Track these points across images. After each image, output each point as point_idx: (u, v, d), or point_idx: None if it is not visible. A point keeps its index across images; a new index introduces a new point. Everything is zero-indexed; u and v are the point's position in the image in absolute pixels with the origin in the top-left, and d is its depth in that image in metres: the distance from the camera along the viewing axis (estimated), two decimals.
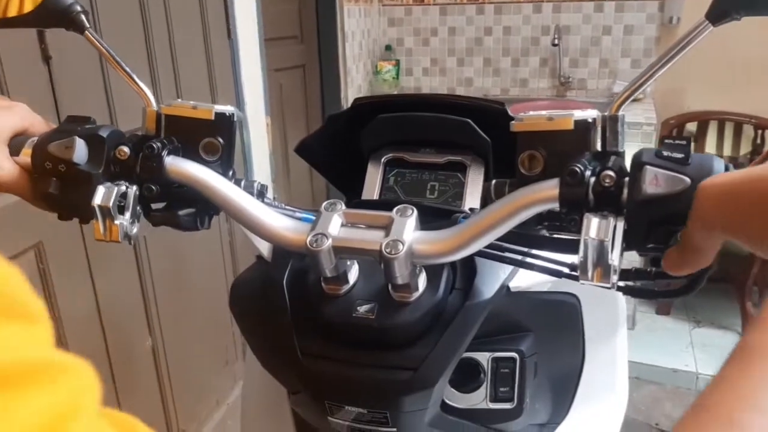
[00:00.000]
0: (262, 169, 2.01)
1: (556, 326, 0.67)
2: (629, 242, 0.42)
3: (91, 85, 1.28)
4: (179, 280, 1.62)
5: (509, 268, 0.57)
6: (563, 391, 0.71)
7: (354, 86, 2.87)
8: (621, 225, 0.41)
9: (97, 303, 1.33)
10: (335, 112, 0.76)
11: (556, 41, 2.80)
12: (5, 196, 1.03)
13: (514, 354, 0.60)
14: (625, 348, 0.80)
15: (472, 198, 0.71)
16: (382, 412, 0.54)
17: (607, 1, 2.80)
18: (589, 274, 0.42)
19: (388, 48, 3.15)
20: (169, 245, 1.55)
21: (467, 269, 0.56)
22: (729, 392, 0.26)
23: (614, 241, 0.41)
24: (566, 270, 0.49)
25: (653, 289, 0.46)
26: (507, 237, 0.49)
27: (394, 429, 0.54)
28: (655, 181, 0.40)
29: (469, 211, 0.67)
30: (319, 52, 2.66)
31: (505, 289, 0.57)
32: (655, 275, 0.45)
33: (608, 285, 0.42)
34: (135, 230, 0.53)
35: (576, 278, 0.44)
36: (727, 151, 2.65)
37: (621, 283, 0.46)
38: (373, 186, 0.75)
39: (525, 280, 0.59)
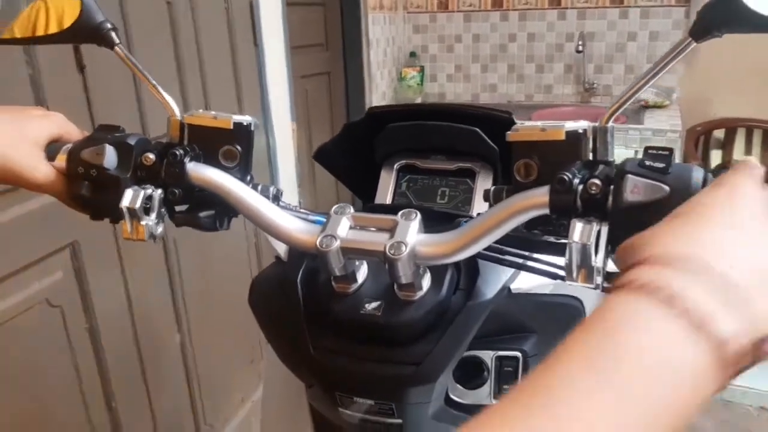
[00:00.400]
0: (287, 174, 2.06)
1: (561, 329, 0.69)
2: (614, 246, 0.44)
3: (123, 92, 1.34)
4: (207, 279, 1.68)
5: (510, 270, 0.59)
6: None
7: (378, 92, 2.92)
8: (605, 230, 0.44)
9: (129, 299, 1.39)
10: (351, 121, 0.79)
11: (581, 48, 2.81)
12: (43, 198, 1.10)
13: (517, 353, 0.63)
14: None
15: (480, 203, 0.74)
16: (388, 404, 0.57)
17: (633, 7, 2.79)
18: (574, 275, 0.45)
19: (412, 54, 3.19)
20: (197, 245, 1.61)
21: (471, 271, 0.59)
22: (523, 389, 0.28)
23: (598, 244, 0.44)
24: (560, 272, 0.51)
25: None
26: (506, 240, 0.52)
27: (400, 420, 0.57)
28: (635, 190, 0.42)
29: (476, 215, 0.70)
30: (344, 59, 2.71)
31: (506, 290, 0.59)
32: None
33: (592, 285, 0.45)
34: (160, 230, 0.57)
35: (563, 279, 0.46)
36: (756, 158, 2.62)
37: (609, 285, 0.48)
38: (386, 191, 0.78)
39: (527, 282, 0.61)
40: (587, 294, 0.68)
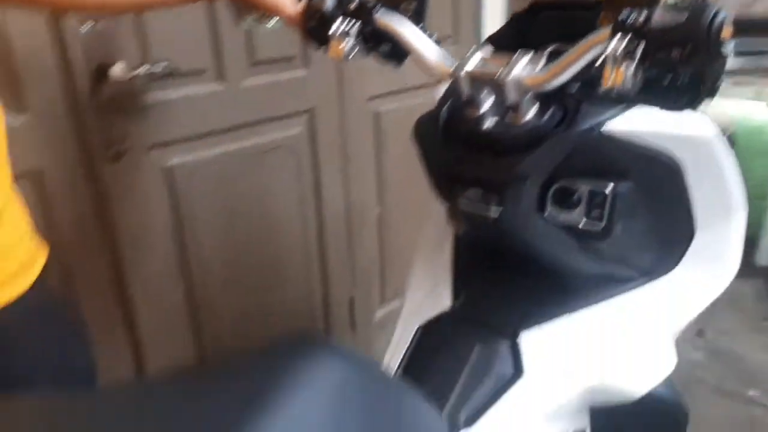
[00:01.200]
0: None
1: (655, 182, 0.80)
2: (648, 58, 0.60)
3: None
4: (409, 166, 1.94)
5: (609, 113, 0.73)
6: (672, 249, 0.84)
7: None
8: (642, 46, 0.60)
9: (345, 167, 1.74)
10: (517, 11, 0.99)
11: None
12: (298, 71, 1.52)
13: (607, 189, 0.76)
14: (741, 230, 0.87)
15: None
16: (492, 196, 0.76)
17: None
18: (609, 77, 0.61)
19: None
20: (407, 130, 1.90)
21: (573, 111, 0.75)
22: None
23: (635, 56, 0.60)
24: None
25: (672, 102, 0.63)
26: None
27: (501, 207, 0.76)
28: (661, 16, 0.58)
29: None
30: None
31: (596, 129, 0.73)
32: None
33: (624, 85, 0.60)
34: (353, 53, 0.86)
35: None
36: None
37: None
38: None
39: (625, 125, 0.74)
40: (684, 154, 0.79)
